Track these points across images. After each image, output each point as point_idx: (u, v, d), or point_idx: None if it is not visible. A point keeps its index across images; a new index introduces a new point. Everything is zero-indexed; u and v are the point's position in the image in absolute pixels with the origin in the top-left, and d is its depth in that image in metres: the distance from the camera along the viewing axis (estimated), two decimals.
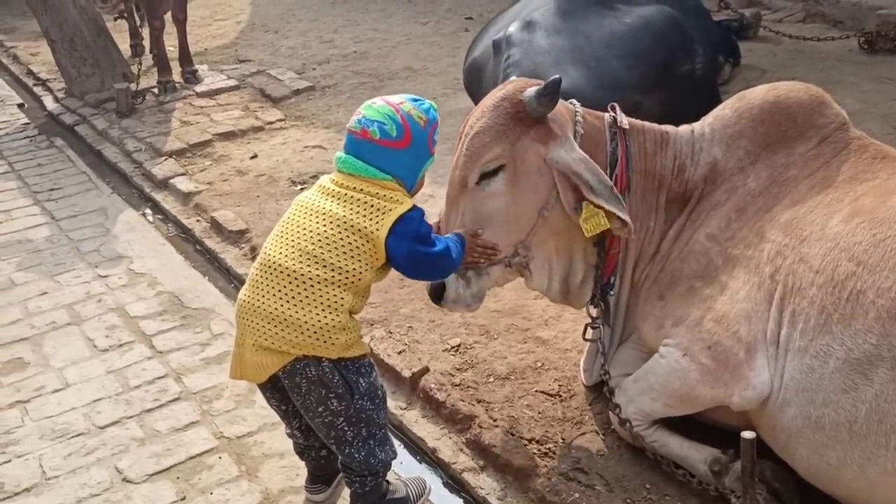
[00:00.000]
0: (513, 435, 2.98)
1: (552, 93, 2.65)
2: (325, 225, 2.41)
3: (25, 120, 6.98)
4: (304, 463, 2.81)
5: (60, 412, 3.35)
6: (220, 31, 8.96)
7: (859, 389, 2.26)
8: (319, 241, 2.39)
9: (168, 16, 7.08)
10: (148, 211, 5.29)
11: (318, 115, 6.39)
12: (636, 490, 2.72)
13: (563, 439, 2.95)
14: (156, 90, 6.86)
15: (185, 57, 7.11)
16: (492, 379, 3.29)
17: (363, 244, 2.40)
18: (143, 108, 6.63)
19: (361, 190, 2.43)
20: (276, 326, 2.38)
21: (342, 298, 2.39)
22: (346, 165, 2.47)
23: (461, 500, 2.90)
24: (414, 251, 2.44)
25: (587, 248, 2.88)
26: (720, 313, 2.58)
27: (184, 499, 2.89)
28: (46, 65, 7.81)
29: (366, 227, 2.39)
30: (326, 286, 2.38)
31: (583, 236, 2.79)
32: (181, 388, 3.48)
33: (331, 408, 2.45)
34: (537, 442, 2.95)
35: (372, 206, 2.41)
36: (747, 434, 2.37)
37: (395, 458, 2.63)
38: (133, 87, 6.69)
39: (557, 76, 2.67)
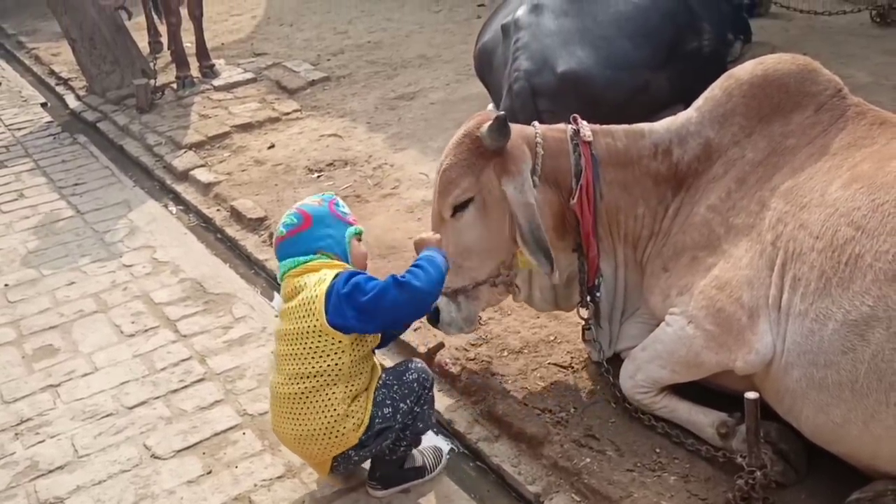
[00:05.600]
0: (526, 405, 3.07)
1: (500, 127, 2.81)
2: (291, 344, 2.62)
3: (49, 118, 7.14)
4: None
5: (90, 394, 3.49)
6: (236, 25, 9.08)
7: (857, 350, 2.31)
8: (294, 358, 2.61)
9: (185, 12, 7.19)
10: (169, 202, 5.42)
11: (333, 104, 6.49)
12: (646, 454, 2.80)
13: (574, 408, 3.04)
14: (174, 85, 6.98)
15: (203, 52, 7.23)
16: (505, 353, 3.38)
17: (320, 339, 2.57)
18: (162, 103, 6.76)
19: (294, 289, 2.62)
20: (300, 444, 2.66)
21: (333, 394, 2.60)
22: (282, 269, 2.72)
23: (476, 469, 2.99)
24: (354, 307, 2.52)
25: (566, 255, 3.01)
26: (723, 280, 2.64)
27: (210, 472, 3.01)
28: (67, 64, 7.96)
29: (312, 325, 2.56)
30: (317, 392, 2.60)
31: (560, 245, 2.98)
32: (205, 370, 3.60)
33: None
34: (550, 411, 3.04)
35: (305, 301, 2.57)
36: (751, 394, 2.44)
37: (434, 423, 2.90)
38: (152, 83, 6.82)
39: (503, 113, 2.83)
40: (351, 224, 2.78)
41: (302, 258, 2.66)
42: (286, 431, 2.66)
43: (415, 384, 2.71)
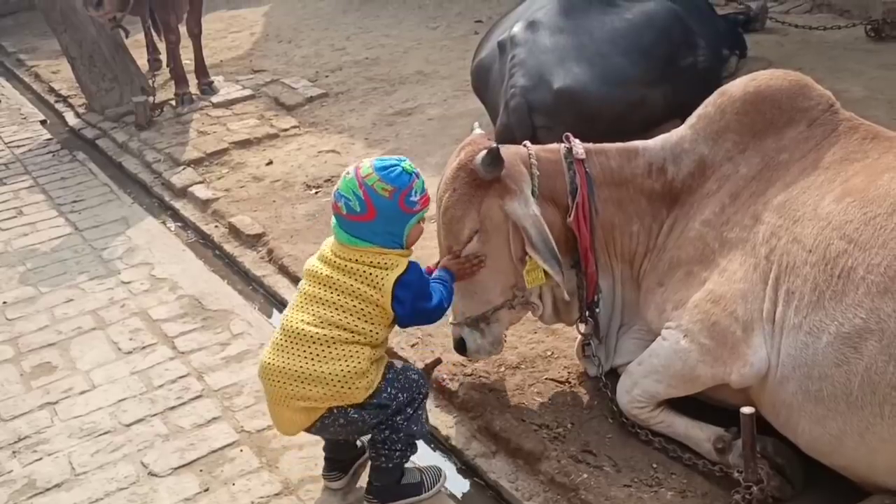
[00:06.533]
0: (523, 421, 3.07)
1: (493, 160, 2.83)
2: (336, 293, 2.63)
3: (48, 136, 7.17)
4: (321, 452, 2.93)
5: (88, 412, 3.49)
6: (235, 42, 9.12)
7: (851, 363, 2.32)
8: (334, 307, 2.62)
9: (183, 30, 7.24)
10: (168, 219, 5.43)
11: (331, 120, 6.52)
12: (643, 469, 2.80)
13: (572, 423, 3.04)
14: (173, 102, 7.02)
15: (201, 69, 7.28)
16: (503, 369, 3.38)
17: (373, 309, 2.63)
18: (161, 120, 6.79)
19: (357, 260, 2.63)
20: (301, 384, 2.60)
21: (361, 352, 2.62)
22: (338, 237, 2.69)
23: (474, 485, 2.99)
24: (417, 309, 2.67)
25: (566, 272, 3.01)
26: (718, 294, 2.65)
27: (207, 490, 3.00)
28: (67, 82, 8.00)
29: (371, 296, 2.61)
30: (346, 344, 2.61)
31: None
32: (203, 386, 3.60)
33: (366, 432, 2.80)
34: (547, 427, 3.04)
35: (370, 275, 2.62)
36: (746, 409, 2.44)
37: (426, 432, 2.89)
38: (151, 100, 6.85)
39: (496, 146, 2.85)
40: (417, 212, 2.67)
41: (361, 243, 2.64)
42: (287, 366, 2.61)
43: (413, 384, 2.75)
